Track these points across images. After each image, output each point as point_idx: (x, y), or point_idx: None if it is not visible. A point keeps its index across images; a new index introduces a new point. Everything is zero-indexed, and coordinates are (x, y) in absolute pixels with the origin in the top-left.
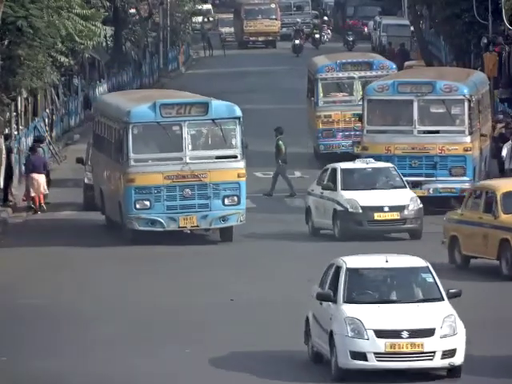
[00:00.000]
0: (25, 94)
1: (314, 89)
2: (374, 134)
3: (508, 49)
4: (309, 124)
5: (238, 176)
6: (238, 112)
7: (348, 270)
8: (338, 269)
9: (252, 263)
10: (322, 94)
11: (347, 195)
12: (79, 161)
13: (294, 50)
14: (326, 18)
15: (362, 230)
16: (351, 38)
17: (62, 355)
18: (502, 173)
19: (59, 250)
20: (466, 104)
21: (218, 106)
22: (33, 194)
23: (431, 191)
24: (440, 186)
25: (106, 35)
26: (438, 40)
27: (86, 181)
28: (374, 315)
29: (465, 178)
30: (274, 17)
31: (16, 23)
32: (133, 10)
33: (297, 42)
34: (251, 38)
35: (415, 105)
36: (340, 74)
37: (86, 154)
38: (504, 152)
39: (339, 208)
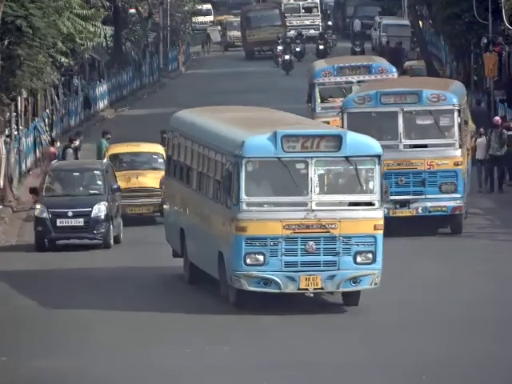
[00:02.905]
0: (25, 94)
1: (312, 94)
2: None
3: (508, 49)
4: None
5: (375, 228)
6: (378, 148)
7: None
8: None
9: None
10: (319, 100)
11: None
12: (33, 191)
13: (283, 67)
14: (330, 23)
15: None
16: (359, 49)
17: (62, 355)
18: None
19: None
20: (456, 114)
21: (354, 140)
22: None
23: (420, 210)
24: (429, 204)
25: (106, 35)
26: (438, 40)
27: (36, 213)
28: None
29: (456, 195)
30: (278, 23)
31: (15, 23)
32: (133, 10)
33: (286, 57)
34: (255, 48)
35: (400, 117)
36: (338, 79)
37: (40, 182)
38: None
39: None
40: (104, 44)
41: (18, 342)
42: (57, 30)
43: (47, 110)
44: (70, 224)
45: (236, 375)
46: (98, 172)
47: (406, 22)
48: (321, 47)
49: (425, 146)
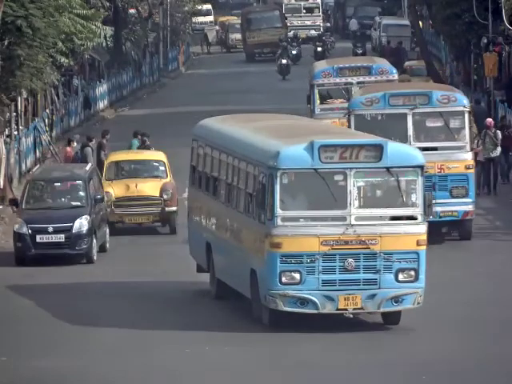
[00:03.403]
0: (25, 94)
1: (311, 95)
2: None
3: (508, 49)
4: None
5: (418, 244)
6: (421, 159)
7: None
8: None
9: None
10: (318, 101)
11: None
12: (12, 202)
13: (280, 72)
14: (328, 24)
15: None
16: (360, 51)
17: (62, 355)
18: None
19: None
20: (467, 116)
21: (395, 149)
22: None
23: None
24: (440, 209)
25: (106, 35)
26: (438, 40)
27: (15, 228)
28: None
29: (467, 200)
30: (278, 25)
31: (15, 23)
32: (133, 10)
33: (283, 61)
34: (255, 50)
35: (409, 119)
36: (337, 80)
37: (22, 192)
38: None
39: None
40: (104, 44)
41: (18, 342)
42: (57, 30)
43: (47, 110)
44: (50, 240)
45: None
46: (80, 182)
47: (406, 22)
48: (319, 49)
49: (435, 148)
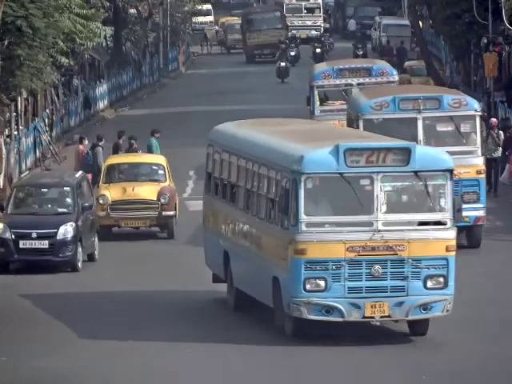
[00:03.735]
0: (25, 94)
1: (311, 97)
2: None
3: (508, 49)
4: None
5: (447, 250)
6: (450, 162)
7: None
8: None
9: None
10: (318, 103)
11: None
12: None
13: (278, 75)
14: (327, 25)
15: None
16: (361, 52)
17: (62, 355)
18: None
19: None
20: (478, 120)
21: (424, 153)
22: None
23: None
24: None
25: (106, 35)
26: (438, 40)
27: None
28: None
29: (479, 205)
30: (279, 26)
31: (15, 23)
32: (133, 10)
33: (282, 64)
34: (255, 52)
35: (420, 123)
36: (337, 81)
37: (8, 197)
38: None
39: None
40: (104, 44)
41: (18, 342)
42: (57, 30)
43: (47, 110)
44: (33, 246)
45: None
46: (67, 189)
47: (406, 22)
48: (317, 51)
49: None
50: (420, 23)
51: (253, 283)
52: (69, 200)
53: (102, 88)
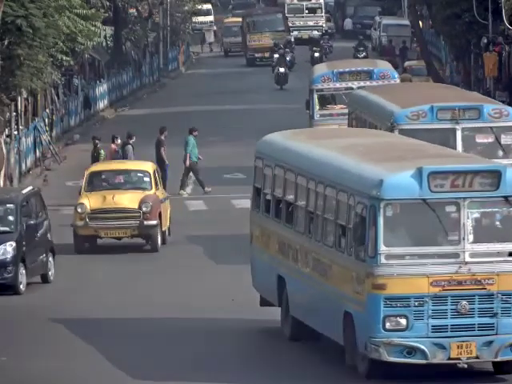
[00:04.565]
0: (25, 94)
1: (310, 100)
2: None
3: (508, 49)
4: None
5: None
6: None
7: None
8: None
9: None
10: (317, 107)
11: None
12: None
13: (277, 81)
14: (326, 27)
15: None
16: (362, 55)
17: (62, 355)
18: None
19: None
20: None
21: None
22: None
23: None
24: None
25: (106, 35)
26: (438, 40)
27: None
28: None
29: None
30: (281, 28)
31: (15, 23)
32: (133, 10)
33: (281, 70)
34: (256, 55)
35: (459, 134)
36: (337, 85)
37: None
38: None
39: None
40: (104, 44)
41: (18, 342)
42: (57, 29)
43: (47, 110)
44: None
45: None
46: (10, 206)
47: (406, 22)
48: (316, 55)
49: None
50: (420, 23)
51: (316, 315)
52: (11, 218)
53: (101, 88)
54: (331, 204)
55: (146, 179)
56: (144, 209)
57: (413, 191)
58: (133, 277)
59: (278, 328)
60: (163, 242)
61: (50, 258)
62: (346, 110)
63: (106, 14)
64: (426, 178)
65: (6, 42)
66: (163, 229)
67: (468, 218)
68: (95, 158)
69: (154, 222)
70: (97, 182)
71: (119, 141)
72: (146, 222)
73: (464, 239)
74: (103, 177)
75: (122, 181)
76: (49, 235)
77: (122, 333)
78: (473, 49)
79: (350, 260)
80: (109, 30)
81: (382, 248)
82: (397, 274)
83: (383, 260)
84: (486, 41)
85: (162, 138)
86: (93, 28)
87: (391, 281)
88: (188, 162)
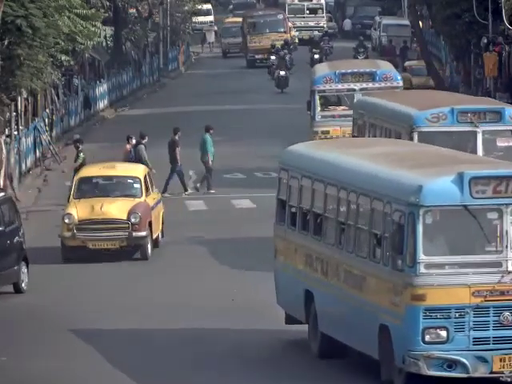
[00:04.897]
0: (25, 94)
1: (311, 101)
2: None
3: (508, 49)
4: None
5: None
6: None
7: None
8: None
9: None
10: (319, 108)
11: None
12: None
13: (277, 84)
14: (326, 28)
15: None
16: (362, 57)
17: (62, 355)
18: None
19: None
20: None
21: None
22: None
23: None
24: None
25: (106, 35)
26: (438, 40)
27: None
28: None
29: None
30: (282, 29)
31: (15, 23)
32: (133, 10)
33: (282, 73)
34: (257, 56)
35: (479, 137)
36: (339, 86)
37: None
38: None
39: None
40: (104, 44)
41: (18, 342)
42: (57, 29)
43: (47, 110)
44: None
45: None
46: None
47: (406, 22)
48: (316, 56)
49: None
50: (420, 23)
51: (349, 329)
52: None
53: (101, 88)
54: (365, 213)
55: (137, 186)
56: (133, 220)
57: (453, 197)
58: (132, 278)
59: (278, 328)
60: (156, 245)
61: (23, 268)
62: (348, 112)
63: (106, 14)
64: (467, 184)
65: (5, 42)
66: (154, 236)
67: (511, 225)
68: (76, 161)
69: (143, 234)
70: (86, 189)
71: (134, 141)
72: (134, 234)
73: (507, 247)
74: (92, 183)
75: (112, 187)
76: (22, 244)
77: (121, 333)
78: (473, 49)
79: (385, 270)
80: (109, 30)
81: (422, 257)
82: (437, 284)
83: (422, 269)
84: (485, 41)
85: (176, 138)
86: (93, 28)
87: (431, 291)
88: (210, 162)
